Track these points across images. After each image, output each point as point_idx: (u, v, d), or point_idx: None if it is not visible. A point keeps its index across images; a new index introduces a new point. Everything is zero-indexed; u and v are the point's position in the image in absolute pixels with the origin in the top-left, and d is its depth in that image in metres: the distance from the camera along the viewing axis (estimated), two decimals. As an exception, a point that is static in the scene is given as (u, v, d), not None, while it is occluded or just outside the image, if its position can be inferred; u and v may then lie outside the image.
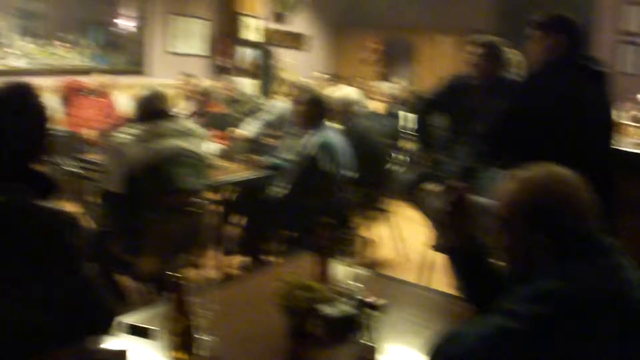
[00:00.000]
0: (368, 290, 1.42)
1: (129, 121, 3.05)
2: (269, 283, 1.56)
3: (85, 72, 5.98)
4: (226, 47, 7.55)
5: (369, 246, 3.95)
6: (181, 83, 5.91)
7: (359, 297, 1.38)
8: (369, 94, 5.95)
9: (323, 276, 1.65)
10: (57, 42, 6.08)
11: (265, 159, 3.70)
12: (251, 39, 7.70)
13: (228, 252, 3.53)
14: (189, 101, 5.51)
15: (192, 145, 2.84)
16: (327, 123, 3.34)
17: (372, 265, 3.48)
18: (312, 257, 1.71)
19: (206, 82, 5.08)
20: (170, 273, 1.28)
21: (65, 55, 6.05)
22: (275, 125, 4.31)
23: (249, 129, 4.34)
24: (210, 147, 3.42)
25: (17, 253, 1.26)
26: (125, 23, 6.72)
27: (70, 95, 5.53)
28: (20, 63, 5.69)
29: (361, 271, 1.55)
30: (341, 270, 1.63)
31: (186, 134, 2.84)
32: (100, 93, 5.60)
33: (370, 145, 3.71)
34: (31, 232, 1.28)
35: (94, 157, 3.67)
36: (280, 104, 4.49)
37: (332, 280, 1.63)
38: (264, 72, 7.87)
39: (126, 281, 2.77)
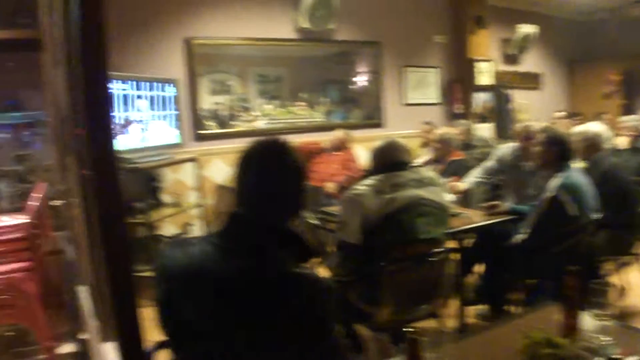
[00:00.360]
0: (619, 345, 1.33)
1: (366, 173, 3.16)
2: (509, 335, 1.51)
3: (323, 128, 6.50)
4: (459, 92, 7.69)
5: (620, 295, 3.61)
6: (418, 132, 6.03)
7: (609, 353, 1.27)
8: (614, 129, 5.45)
9: (569, 329, 1.56)
10: (295, 102, 6.72)
11: (503, 204, 3.58)
12: (484, 82, 7.72)
13: (466, 302, 3.48)
14: (427, 149, 5.59)
15: (431, 194, 2.84)
16: (570, 162, 3.18)
17: (623, 316, 3.27)
18: (556, 307, 1.62)
19: (442, 130, 5.13)
20: (407, 326, 1.30)
21: (303, 113, 6.63)
22: (498, 170, 4.20)
23: (466, 180, 4.26)
24: (449, 194, 3.40)
25: (274, 318, 1.30)
26: (360, 79, 7.17)
27: (311, 152, 6.01)
28: (262, 124, 6.34)
29: (611, 323, 1.45)
30: (588, 323, 1.53)
31: (425, 182, 2.86)
32: (340, 148, 6.01)
33: (618, 184, 3.50)
34: (289, 299, 1.30)
35: (333, 209, 3.87)
36: (503, 148, 4.34)
37: (579, 334, 1.54)
38: (499, 115, 7.83)
39: (363, 330, 2.82)
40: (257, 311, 1.31)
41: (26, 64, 3.87)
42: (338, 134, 6.05)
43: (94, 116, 1.42)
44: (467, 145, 5.72)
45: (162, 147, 5.01)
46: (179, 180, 5.61)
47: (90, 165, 1.51)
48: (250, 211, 1.42)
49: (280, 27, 6.28)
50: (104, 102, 1.39)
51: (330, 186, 5.60)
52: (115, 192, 1.50)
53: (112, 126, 1.43)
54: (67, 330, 2.91)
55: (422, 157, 5.38)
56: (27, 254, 2.60)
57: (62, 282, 3.11)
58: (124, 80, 4.54)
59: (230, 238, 1.40)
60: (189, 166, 5.41)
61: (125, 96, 4.53)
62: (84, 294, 2.31)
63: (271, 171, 1.44)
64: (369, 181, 2.81)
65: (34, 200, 2.82)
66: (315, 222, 3.82)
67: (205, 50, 5.88)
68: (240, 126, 6.19)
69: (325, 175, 5.79)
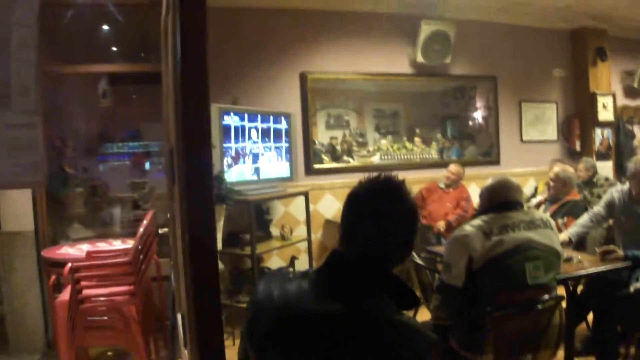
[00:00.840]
0: None
1: (476, 212, 3.05)
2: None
3: (438, 165, 6.38)
4: (579, 128, 7.23)
5: None
6: (534, 170, 5.78)
7: None
8: None
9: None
10: (410, 138, 6.66)
11: (619, 250, 3.31)
12: (605, 118, 7.21)
13: (574, 353, 3.26)
14: (543, 188, 5.33)
15: (542, 237, 2.71)
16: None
17: None
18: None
19: (559, 167, 4.85)
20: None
21: (418, 149, 6.54)
22: (607, 216, 3.90)
23: (569, 231, 3.94)
24: (562, 237, 3.22)
25: None
26: (476, 114, 6.98)
27: (425, 191, 5.91)
28: (377, 159, 6.32)
29: None
30: None
31: (536, 224, 2.73)
32: (453, 184, 5.84)
33: None
34: (388, 350, 1.24)
35: (440, 249, 3.76)
36: (613, 191, 4.00)
37: None
38: (621, 152, 7.29)
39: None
40: (349, 359, 1.23)
41: (148, 97, 4.12)
42: (452, 168, 5.90)
43: (191, 149, 1.47)
44: (586, 185, 5.40)
45: (274, 180, 5.10)
46: (289, 214, 5.70)
47: (183, 196, 1.56)
48: (353, 251, 1.37)
49: (396, 62, 6.26)
50: (202, 137, 1.45)
51: (439, 225, 5.47)
52: (207, 225, 1.52)
53: (210, 160, 1.49)
54: (164, 355, 3.00)
55: (535, 196, 5.13)
56: (131, 278, 2.73)
57: (163, 308, 3.22)
58: (238, 112, 4.72)
59: (329, 277, 1.36)
60: (299, 200, 5.46)
61: (239, 128, 4.69)
62: (179, 321, 2.36)
63: (380, 210, 1.39)
64: (477, 221, 2.72)
65: (142, 227, 2.97)
66: (421, 261, 3.73)
67: (321, 85, 5.97)
68: (354, 161, 6.22)
69: (436, 213, 5.66)
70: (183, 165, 1.52)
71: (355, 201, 1.43)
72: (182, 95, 1.50)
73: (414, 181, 6.09)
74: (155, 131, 4.31)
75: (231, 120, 4.61)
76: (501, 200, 2.79)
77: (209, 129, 1.49)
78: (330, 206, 5.89)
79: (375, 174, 1.46)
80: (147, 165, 4.48)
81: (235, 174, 4.56)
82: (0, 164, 1.21)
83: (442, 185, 5.87)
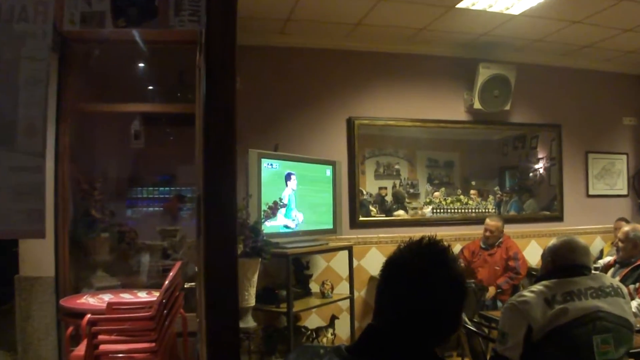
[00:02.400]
0: None
1: (537, 276, 2.94)
2: None
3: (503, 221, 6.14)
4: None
5: None
6: (600, 228, 5.56)
7: None
8: None
9: None
10: (465, 190, 6.56)
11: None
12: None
13: None
14: (613, 250, 5.10)
15: (613, 307, 2.56)
16: None
17: None
18: None
19: (630, 227, 4.62)
20: None
21: (473, 202, 6.40)
22: None
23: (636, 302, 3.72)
24: (634, 306, 3.03)
25: None
26: (537, 165, 6.80)
27: (467, 252, 5.72)
28: (429, 212, 6.22)
29: None
30: None
31: (605, 292, 2.59)
32: (496, 243, 5.60)
33: None
34: None
35: (495, 314, 3.63)
36: None
37: None
38: None
39: None
40: None
41: (183, 139, 4.15)
42: (489, 223, 5.64)
43: (214, 196, 1.48)
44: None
45: (315, 233, 5.05)
46: (330, 269, 5.58)
47: (204, 248, 1.55)
48: (389, 326, 1.33)
49: (452, 108, 6.16)
50: (225, 184, 1.47)
51: (490, 292, 5.30)
52: (228, 282, 1.50)
53: (234, 210, 1.51)
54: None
55: (604, 258, 4.91)
56: (153, 335, 2.66)
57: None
58: (279, 159, 4.74)
59: (363, 355, 1.32)
60: (342, 254, 5.36)
61: (279, 176, 4.71)
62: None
63: (421, 281, 1.34)
64: (538, 287, 2.60)
65: (168, 279, 2.93)
66: (473, 327, 3.57)
67: (370, 131, 5.93)
68: (404, 214, 6.14)
69: (483, 278, 5.46)
70: (204, 215, 1.50)
71: (394, 269, 1.39)
72: (204, 137, 1.49)
73: (468, 237, 5.93)
74: (189, 176, 4.32)
75: (272, 167, 4.62)
76: (566, 263, 2.66)
77: (234, 175, 1.48)
78: (376, 262, 5.73)
79: (417, 238, 1.41)
80: (179, 212, 4.49)
81: (274, 225, 4.53)
82: (1, 209, 1.20)
83: (483, 245, 5.66)
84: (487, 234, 5.59)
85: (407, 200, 6.24)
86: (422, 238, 1.40)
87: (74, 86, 3.74)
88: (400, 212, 6.13)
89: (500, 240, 5.58)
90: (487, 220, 5.68)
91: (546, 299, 2.52)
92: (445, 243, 1.41)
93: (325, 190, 5.22)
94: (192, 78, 2.75)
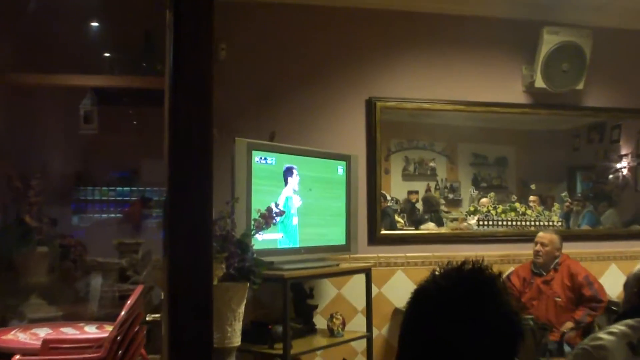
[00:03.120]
0: None
1: (618, 312, 2.93)
2: None
3: (563, 236, 6.06)
4: None
5: None
6: None
7: None
8: None
9: None
10: (521, 196, 6.58)
11: None
12: None
13: None
14: None
15: None
16: None
17: None
18: None
19: None
20: None
21: (533, 213, 6.38)
22: None
23: None
24: None
25: None
26: (620, 165, 6.82)
27: (515, 279, 5.64)
28: (473, 224, 6.25)
29: None
30: None
31: None
32: (552, 264, 5.51)
33: None
34: None
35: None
36: None
37: None
38: None
39: None
40: None
41: (151, 124, 4.13)
42: (541, 237, 5.59)
43: (181, 202, 1.47)
44: None
45: (322, 250, 5.07)
46: (342, 298, 5.58)
47: (169, 272, 1.52)
48: None
49: (505, 88, 6.15)
50: (197, 184, 1.46)
51: (566, 326, 5.24)
52: (202, 313, 1.47)
53: (208, 221, 1.52)
54: None
55: None
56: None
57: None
58: (276, 152, 4.75)
59: None
60: (357, 279, 5.39)
61: (276, 175, 4.73)
62: None
63: (462, 321, 1.36)
64: (620, 327, 2.59)
65: (125, 308, 2.91)
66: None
67: (397, 117, 5.96)
68: (441, 227, 6.18)
69: (539, 312, 5.40)
70: (169, 225, 1.51)
71: (425, 302, 1.41)
72: (170, 122, 1.53)
73: (526, 258, 5.88)
74: (156, 172, 4.31)
75: (265, 163, 4.64)
76: None
77: (208, 171, 1.51)
78: (402, 290, 5.68)
79: (457, 261, 1.43)
80: (143, 221, 4.48)
81: (267, 238, 4.53)
82: None
83: (535, 270, 5.55)
84: (538, 247, 5.51)
85: (443, 208, 6.23)
86: (464, 262, 1.41)
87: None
88: (431, 224, 6.12)
89: (557, 261, 5.50)
90: (540, 234, 5.63)
91: (631, 343, 2.51)
92: (495, 270, 1.42)
93: (336, 195, 5.23)
94: (163, 42, 2.72)
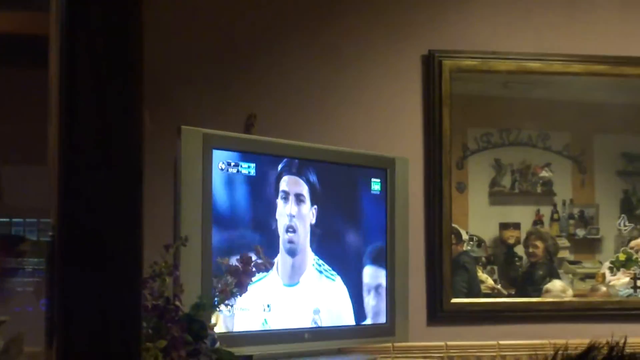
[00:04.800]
0: None
1: None
2: None
3: None
4: None
5: None
6: None
7: None
8: None
9: None
10: None
11: None
12: None
13: None
14: None
15: None
16: None
17: None
18: None
19: None
20: None
21: None
22: None
23: None
24: None
25: None
26: None
27: None
28: (620, 285, 6.35)
29: None
30: None
31: None
32: None
33: None
34: None
35: None
36: None
37: None
38: None
39: None
40: None
41: (23, 98, 4.21)
42: None
43: (88, 244, 1.49)
44: None
45: (343, 334, 5.14)
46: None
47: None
48: None
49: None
50: (117, 220, 1.49)
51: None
52: None
53: (136, 283, 1.56)
54: None
55: None
56: None
57: None
58: (257, 154, 4.77)
59: None
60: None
61: (258, 193, 4.78)
62: None
63: None
64: None
65: None
66: None
67: (480, 87, 6.13)
68: (558, 286, 6.19)
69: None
70: (58, 293, 1.55)
71: None
72: (62, 98, 1.53)
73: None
74: (32, 190, 4.36)
75: (237, 171, 4.67)
76: None
77: (135, 188, 1.52)
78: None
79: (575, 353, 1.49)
80: (5, 279, 4.53)
81: (243, 313, 4.60)
82: None
83: None
84: None
85: (566, 255, 6.25)
86: (591, 349, 1.50)
87: None
88: (558, 283, 6.14)
89: None
90: None
91: None
92: None
93: (368, 233, 5.28)
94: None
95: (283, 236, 4.86)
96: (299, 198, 4.91)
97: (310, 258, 5.00)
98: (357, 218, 5.24)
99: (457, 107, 5.87)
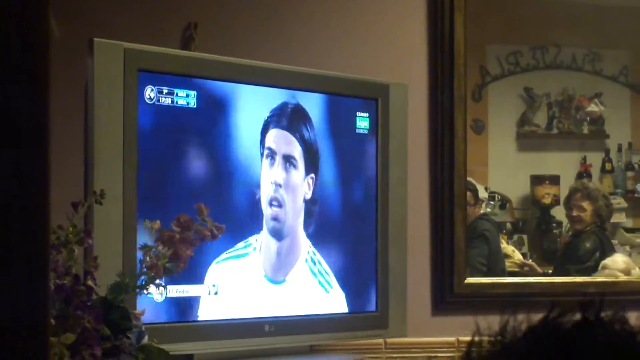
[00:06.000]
0: None
1: None
2: None
3: None
4: None
5: None
6: None
7: None
8: None
9: None
10: None
11: None
12: None
13: None
14: None
15: None
16: None
17: None
18: None
19: None
20: None
21: None
22: None
23: None
24: None
25: None
26: None
27: None
28: None
29: None
30: None
31: None
32: None
33: None
34: None
35: None
36: None
37: None
38: None
39: None
40: None
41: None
42: None
43: None
44: None
45: (317, 326, 5.15)
46: None
47: None
48: None
49: None
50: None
51: None
52: None
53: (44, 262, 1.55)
54: None
55: None
56: None
57: None
58: (197, 75, 4.75)
59: None
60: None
61: (207, 134, 4.76)
62: None
63: None
64: None
65: None
66: None
67: None
68: (614, 258, 6.19)
69: None
70: None
71: None
72: None
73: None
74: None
75: (173, 103, 4.65)
76: None
77: (40, 121, 1.61)
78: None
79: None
80: None
81: (183, 296, 4.59)
82: None
83: None
84: None
85: (620, 218, 6.26)
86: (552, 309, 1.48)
87: None
88: (619, 257, 6.16)
89: None
90: None
91: None
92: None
93: (351, 186, 5.29)
94: None
95: (266, 210, 4.86)
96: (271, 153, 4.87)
97: (305, 246, 5.01)
98: (342, 170, 5.21)
99: (473, 14, 5.84)
